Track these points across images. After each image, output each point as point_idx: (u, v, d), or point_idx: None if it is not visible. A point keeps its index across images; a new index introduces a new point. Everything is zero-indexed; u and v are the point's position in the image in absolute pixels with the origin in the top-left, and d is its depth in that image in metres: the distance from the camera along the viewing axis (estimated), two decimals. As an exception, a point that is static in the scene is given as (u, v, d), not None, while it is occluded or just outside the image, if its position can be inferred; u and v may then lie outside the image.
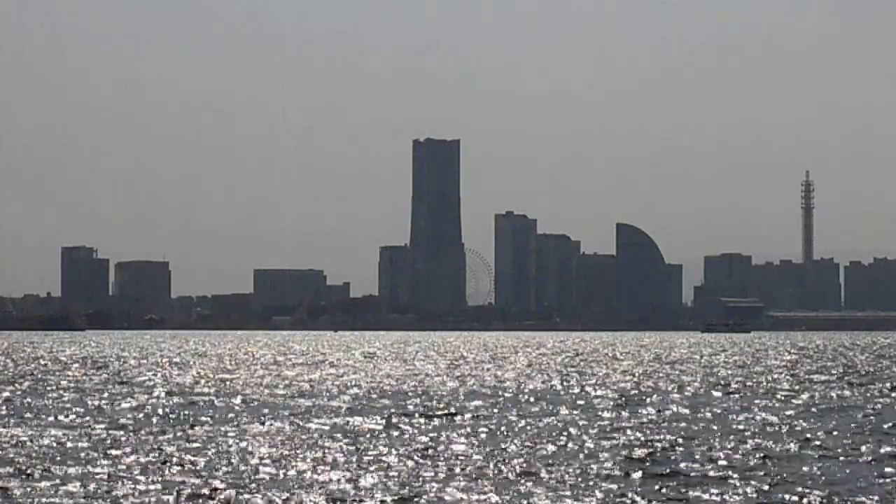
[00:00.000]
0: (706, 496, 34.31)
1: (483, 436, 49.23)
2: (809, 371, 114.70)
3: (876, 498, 33.78)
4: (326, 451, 43.84)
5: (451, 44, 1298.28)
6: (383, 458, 41.65)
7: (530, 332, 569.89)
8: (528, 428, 52.47)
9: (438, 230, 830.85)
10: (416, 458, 42.05)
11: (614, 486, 35.67)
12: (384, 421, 55.80)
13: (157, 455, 42.49)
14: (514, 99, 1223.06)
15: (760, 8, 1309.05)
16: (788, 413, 61.15)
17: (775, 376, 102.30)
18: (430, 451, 43.71)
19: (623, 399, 71.23)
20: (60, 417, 57.96)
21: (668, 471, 38.74)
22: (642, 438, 47.96)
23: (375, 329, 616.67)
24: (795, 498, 33.99)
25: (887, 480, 37.11)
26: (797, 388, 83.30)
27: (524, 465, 40.26)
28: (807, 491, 35.03)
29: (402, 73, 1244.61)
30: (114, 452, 43.15)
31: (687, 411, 62.33)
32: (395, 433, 50.39)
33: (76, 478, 37.09)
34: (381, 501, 33.31)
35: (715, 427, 53.33)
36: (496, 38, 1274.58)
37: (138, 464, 40.37)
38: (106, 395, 75.30)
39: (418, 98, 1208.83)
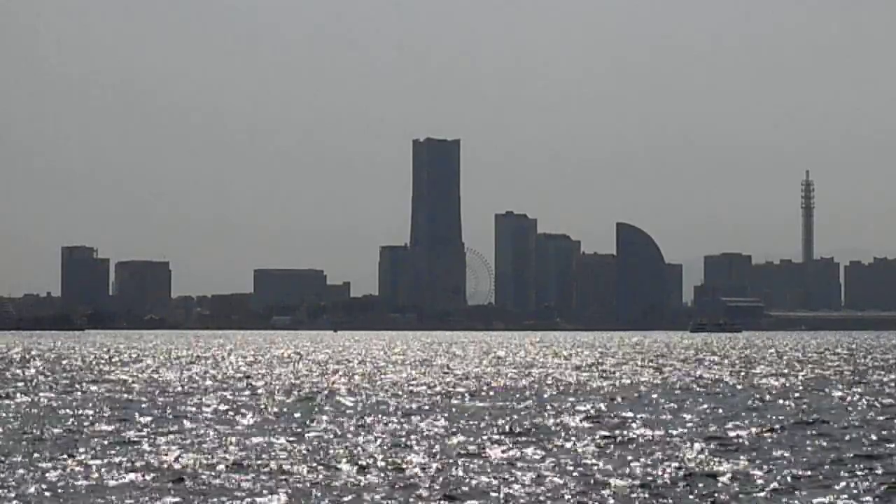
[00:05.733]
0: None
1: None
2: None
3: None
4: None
5: (451, 44, 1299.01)
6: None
7: (530, 332, 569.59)
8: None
9: (438, 230, 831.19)
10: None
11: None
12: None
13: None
14: (514, 99, 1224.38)
15: (761, 9, 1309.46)
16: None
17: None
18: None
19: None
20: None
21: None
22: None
23: (375, 329, 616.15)
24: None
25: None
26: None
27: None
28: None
29: (402, 73, 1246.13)
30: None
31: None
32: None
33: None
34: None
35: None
36: (496, 38, 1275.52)
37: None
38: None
39: (418, 98, 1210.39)
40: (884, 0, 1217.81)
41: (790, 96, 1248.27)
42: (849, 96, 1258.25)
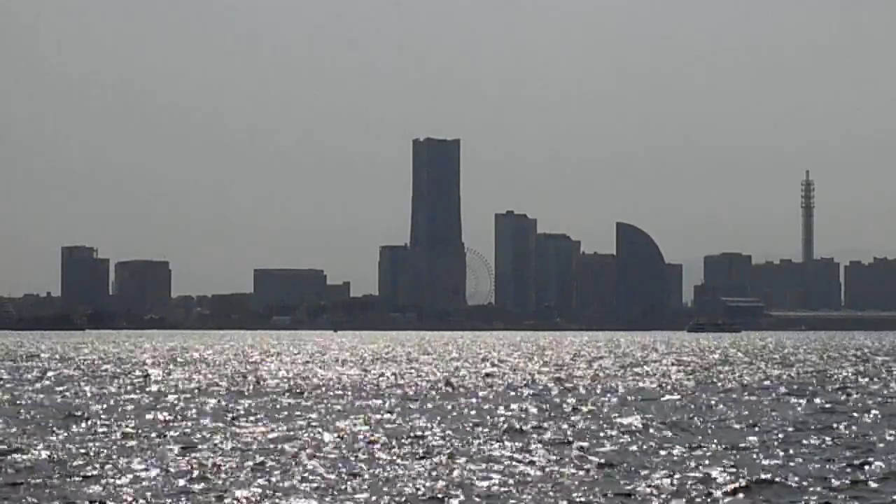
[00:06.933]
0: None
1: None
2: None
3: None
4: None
5: (451, 44, 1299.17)
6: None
7: (530, 332, 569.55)
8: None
9: (438, 230, 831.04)
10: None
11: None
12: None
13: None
14: (514, 99, 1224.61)
15: (761, 9, 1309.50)
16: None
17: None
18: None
19: None
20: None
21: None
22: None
23: (375, 329, 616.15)
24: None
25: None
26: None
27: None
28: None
29: (402, 73, 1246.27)
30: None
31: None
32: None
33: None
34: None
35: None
36: (496, 38, 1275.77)
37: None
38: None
39: (418, 98, 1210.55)
40: (884, 0, 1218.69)
41: (790, 96, 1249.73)
42: (849, 96, 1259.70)
